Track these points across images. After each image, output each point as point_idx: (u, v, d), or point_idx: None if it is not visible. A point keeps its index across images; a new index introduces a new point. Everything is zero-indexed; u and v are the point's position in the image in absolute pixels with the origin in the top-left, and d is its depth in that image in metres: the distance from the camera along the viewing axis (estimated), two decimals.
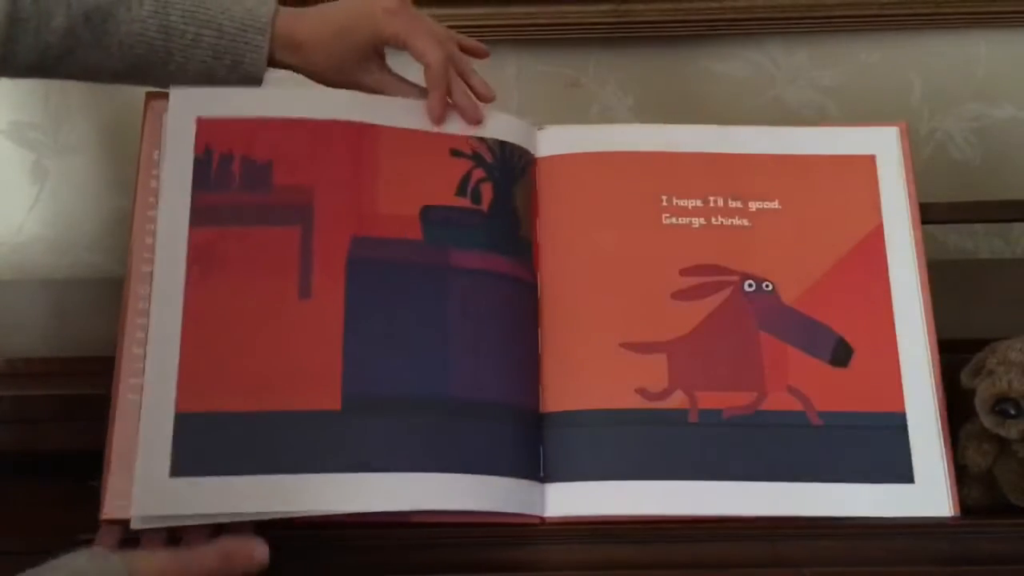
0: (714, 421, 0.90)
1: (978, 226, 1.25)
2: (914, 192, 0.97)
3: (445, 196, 0.94)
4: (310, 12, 0.95)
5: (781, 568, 0.85)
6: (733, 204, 0.97)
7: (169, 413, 0.84)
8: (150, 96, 0.94)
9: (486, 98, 0.98)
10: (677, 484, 0.88)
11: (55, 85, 1.20)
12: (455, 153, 0.95)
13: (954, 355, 0.92)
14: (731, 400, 0.91)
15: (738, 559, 0.86)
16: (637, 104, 1.23)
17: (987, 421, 0.87)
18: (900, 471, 0.89)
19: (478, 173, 0.95)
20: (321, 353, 0.87)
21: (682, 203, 0.96)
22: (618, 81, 1.23)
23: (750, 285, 0.95)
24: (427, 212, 0.93)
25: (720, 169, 0.97)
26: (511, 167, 0.96)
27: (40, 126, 1.21)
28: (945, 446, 0.90)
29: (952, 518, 0.88)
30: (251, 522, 0.83)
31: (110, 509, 0.84)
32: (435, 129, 0.95)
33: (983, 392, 0.87)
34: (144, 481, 0.83)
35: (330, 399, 0.86)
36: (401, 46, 0.94)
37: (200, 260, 0.88)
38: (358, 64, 0.96)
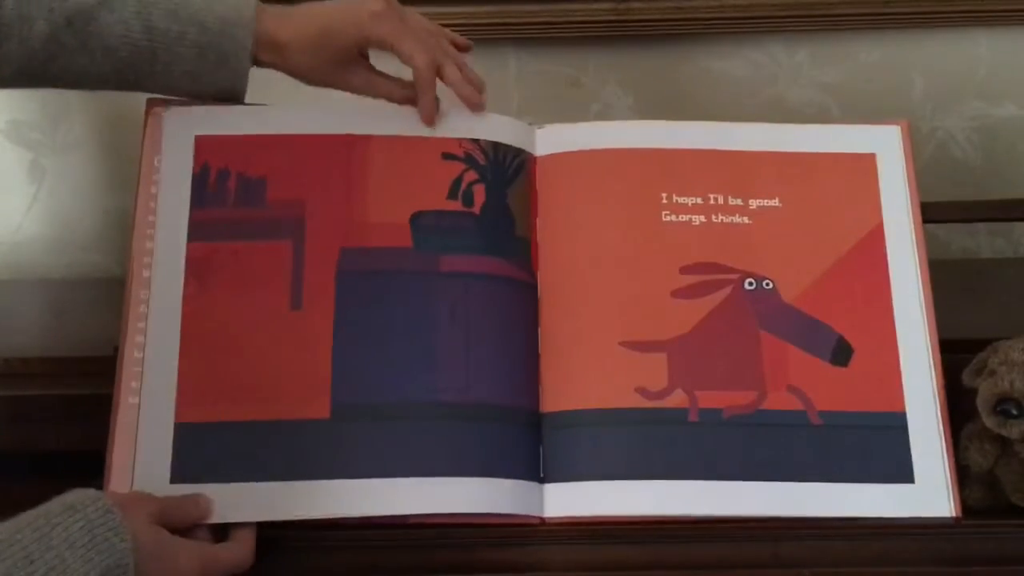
0: (714, 420, 0.90)
1: (980, 225, 1.25)
2: (915, 191, 0.97)
3: (436, 200, 0.94)
4: (295, 13, 0.95)
5: (781, 568, 0.85)
6: (733, 202, 0.96)
7: (169, 423, 0.87)
8: (151, 103, 0.96)
9: (480, 89, 0.97)
10: (677, 484, 0.88)
11: None
12: (447, 156, 0.95)
13: (956, 355, 0.92)
14: (731, 399, 0.91)
15: (738, 559, 0.85)
16: (637, 103, 1.23)
17: (989, 421, 0.87)
18: (900, 471, 0.89)
19: (470, 175, 0.95)
20: (311, 364, 0.89)
21: (682, 201, 0.96)
22: (618, 80, 1.23)
23: (750, 284, 0.94)
24: (417, 218, 0.93)
25: (720, 167, 0.97)
26: (505, 168, 0.96)
27: (38, 125, 1.21)
28: (946, 446, 0.90)
29: (953, 518, 0.88)
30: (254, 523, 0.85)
31: None
32: (427, 134, 0.95)
33: (985, 392, 0.87)
34: (144, 487, 0.85)
35: (319, 408, 0.88)
36: (388, 49, 0.94)
37: (197, 274, 0.91)
38: (342, 66, 0.96)
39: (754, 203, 0.97)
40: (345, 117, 0.96)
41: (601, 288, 0.93)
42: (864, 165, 0.98)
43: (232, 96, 0.95)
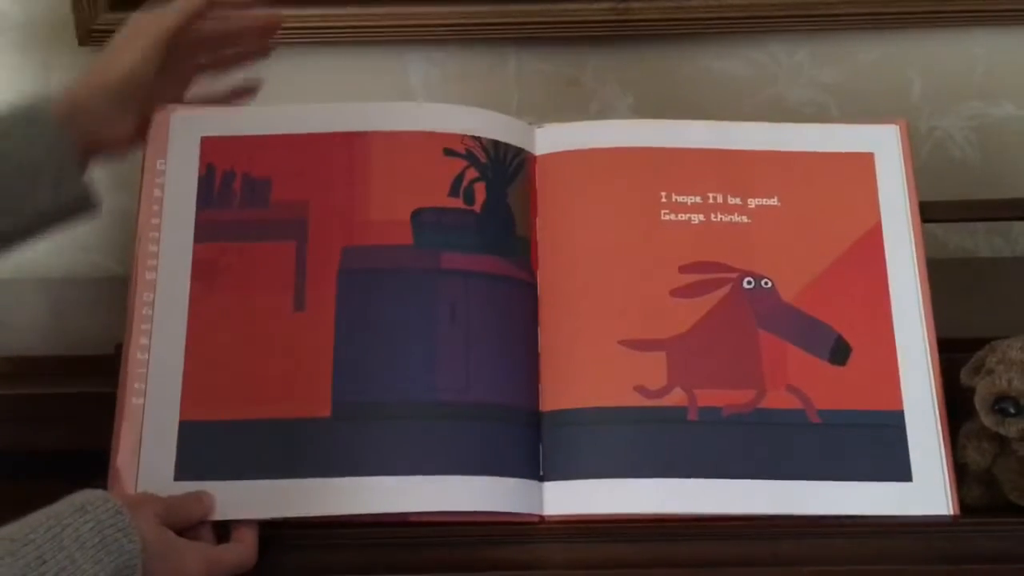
0: (713, 419, 0.90)
1: (978, 224, 1.25)
2: (914, 190, 0.97)
3: (437, 197, 0.94)
4: (91, 82, 0.92)
5: (780, 566, 0.85)
6: (732, 201, 0.96)
7: (174, 421, 0.88)
8: (155, 104, 0.96)
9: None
10: (676, 482, 0.88)
11: (55, 84, 1.20)
12: (448, 152, 0.95)
13: (954, 354, 0.92)
14: (730, 398, 0.91)
15: (738, 558, 0.85)
16: (637, 103, 1.23)
17: (987, 420, 0.87)
18: (898, 470, 0.89)
19: (471, 173, 0.95)
20: (313, 363, 0.89)
21: (681, 199, 0.96)
22: (618, 79, 1.23)
23: (749, 282, 0.94)
24: (418, 215, 0.93)
25: (719, 165, 0.97)
26: (506, 166, 0.96)
27: None
28: (945, 445, 0.90)
29: (952, 517, 0.88)
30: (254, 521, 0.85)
31: None
32: (429, 128, 0.95)
33: (983, 391, 0.87)
34: (149, 484, 0.86)
35: (320, 407, 0.88)
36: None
37: (203, 276, 0.92)
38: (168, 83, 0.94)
39: (753, 202, 0.97)
40: (349, 114, 0.96)
41: (600, 287, 0.94)
42: (863, 164, 0.98)
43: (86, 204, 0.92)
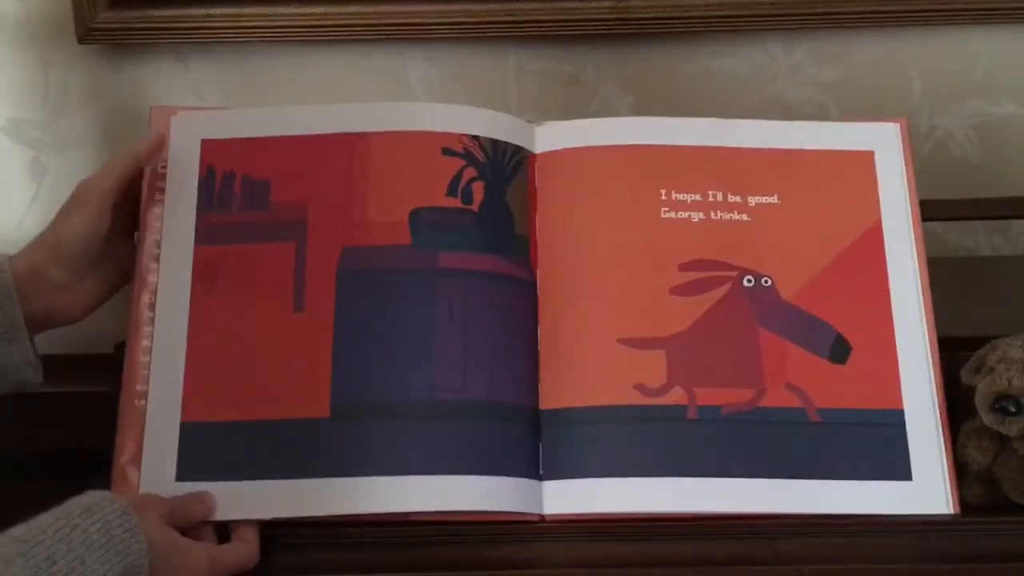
0: (713, 418, 0.90)
1: (978, 223, 1.25)
2: (914, 188, 0.97)
3: (435, 197, 0.94)
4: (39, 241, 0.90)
5: (780, 566, 0.85)
6: (732, 199, 0.96)
7: (175, 423, 0.88)
8: (156, 108, 0.97)
9: None
10: (676, 481, 0.88)
11: (54, 82, 1.20)
12: (447, 152, 0.95)
13: (954, 352, 0.92)
14: (730, 396, 0.91)
15: (737, 557, 0.85)
16: (637, 101, 1.23)
17: (987, 419, 0.87)
18: (898, 468, 0.89)
19: (469, 172, 0.95)
20: (312, 364, 0.89)
21: (681, 197, 0.96)
22: (618, 78, 1.22)
23: (749, 280, 0.94)
24: (416, 215, 0.93)
25: (719, 163, 0.97)
26: (504, 165, 0.96)
27: (39, 123, 1.21)
28: (945, 444, 0.90)
29: (952, 516, 0.88)
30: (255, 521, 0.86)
31: None
32: (428, 128, 0.95)
33: (983, 389, 0.87)
34: (151, 485, 0.86)
35: (320, 407, 0.88)
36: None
37: (203, 278, 0.92)
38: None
39: (753, 200, 0.97)
40: (347, 115, 0.97)
41: (600, 285, 0.94)
42: (863, 162, 0.98)
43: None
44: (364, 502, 0.86)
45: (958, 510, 0.89)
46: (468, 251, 0.93)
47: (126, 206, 0.93)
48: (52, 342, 0.92)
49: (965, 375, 0.90)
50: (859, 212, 0.96)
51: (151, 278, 0.92)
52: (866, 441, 0.90)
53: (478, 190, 0.95)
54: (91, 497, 0.76)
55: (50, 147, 1.23)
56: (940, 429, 0.91)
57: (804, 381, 0.91)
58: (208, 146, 0.95)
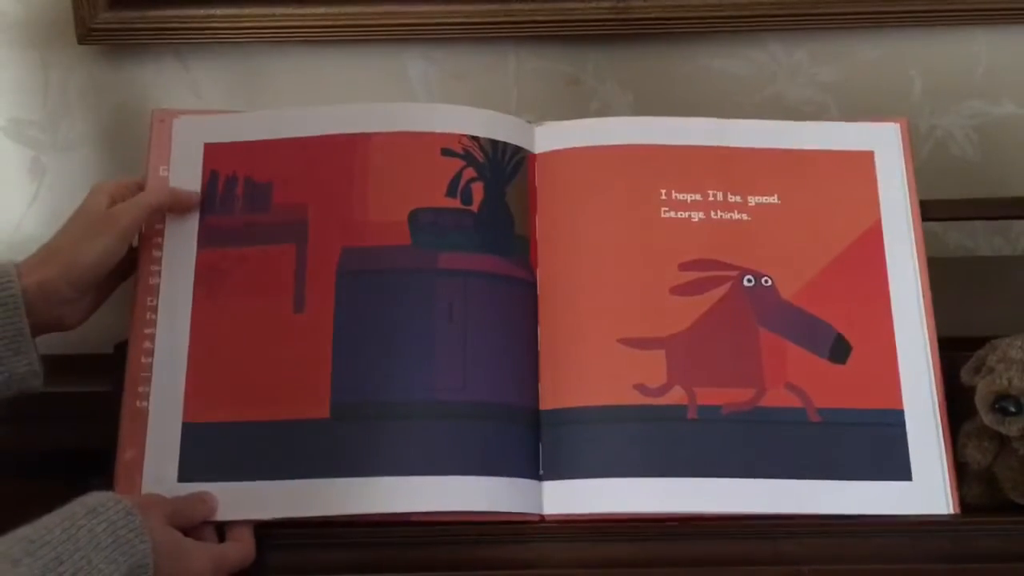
0: (713, 417, 0.90)
1: (978, 223, 1.25)
2: (914, 188, 0.97)
3: (435, 198, 0.94)
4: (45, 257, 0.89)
5: (781, 566, 0.85)
6: (732, 199, 0.96)
7: (177, 424, 0.89)
8: (157, 112, 0.98)
9: None
10: (676, 481, 0.88)
11: (54, 82, 1.20)
12: (446, 152, 0.95)
13: (955, 352, 0.92)
14: (730, 396, 0.91)
15: (737, 557, 0.86)
16: (637, 101, 1.23)
17: (987, 419, 0.87)
18: (898, 469, 0.89)
19: (468, 173, 0.95)
20: (312, 365, 0.90)
21: (681, 197, 0.96)
22: (618, 78, 1.22)
23: (749, 280, 0.94)
24: (415, 216, 0.93)
25: (719, 163, 0.97)
26: (504, 165, 0.96)
27: (39, 123, 1.21)
28: (945, 444, 0.90)
29: (952, 516, 0.88)
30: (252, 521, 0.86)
31: None
32: (428, 129, 0.95)
33: (983, 389, 0.87)
34: (154, 486, 0.87)
35: (319, 408, 0.88)
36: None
37: (206, 281, 0.92)
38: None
39: (753, 200, 0.97)
40: (347, 116, 0.97)
41: (600, 285, 0.94)
42: (863, 162, 0.98)
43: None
44: (364, 502, 0.86)
45: (958, 510, 0.89)
46: (468, 251, 0.93)
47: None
48: (52, 342, 0.91)
49: (965, 375, 0.90)
50: (859, 212, 0.96)
51: (153, 281, 0.93)
52: (866, 441, 0.90)
53: (478, 190, 0.95)
54: (96, 498, 0.76)
55: (50, 147, 1.23)
56: (940, 429, 0.91)
57: (804, 381, 0.91)
58: (210, 150, 0.96)
